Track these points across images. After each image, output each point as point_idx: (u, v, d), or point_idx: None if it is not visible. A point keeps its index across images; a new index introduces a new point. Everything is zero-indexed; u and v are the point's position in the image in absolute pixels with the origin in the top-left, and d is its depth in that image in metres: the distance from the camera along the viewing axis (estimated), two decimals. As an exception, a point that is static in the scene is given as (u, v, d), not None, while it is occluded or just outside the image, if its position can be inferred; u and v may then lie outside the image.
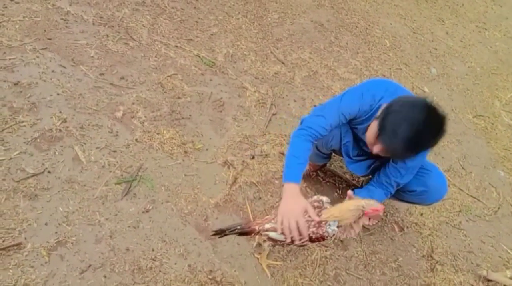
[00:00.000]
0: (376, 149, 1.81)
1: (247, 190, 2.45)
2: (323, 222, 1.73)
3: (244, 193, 2.43)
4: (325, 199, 1.83)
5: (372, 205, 1.66)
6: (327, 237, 1.75)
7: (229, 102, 2.94)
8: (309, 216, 1.73)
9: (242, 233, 1.90)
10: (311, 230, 1.74)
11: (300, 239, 1.75)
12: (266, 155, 2.68)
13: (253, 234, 1.88)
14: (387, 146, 1.73)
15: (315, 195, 1.89)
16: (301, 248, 2.23)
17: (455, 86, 4.25)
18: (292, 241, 1.78)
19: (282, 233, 1.76)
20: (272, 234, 1.81)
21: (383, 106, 1.79)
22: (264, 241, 2.05)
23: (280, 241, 1.82)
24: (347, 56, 3.94)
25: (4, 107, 2.29)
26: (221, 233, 1.86)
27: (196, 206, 2.27)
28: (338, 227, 1.75)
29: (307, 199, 1.84)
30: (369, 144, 1.87)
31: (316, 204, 1.80)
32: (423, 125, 1.63)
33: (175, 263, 2.01)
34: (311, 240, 1.77)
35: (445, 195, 2.24)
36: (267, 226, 1.83)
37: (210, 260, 2.07)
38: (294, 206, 1.73)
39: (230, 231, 1.86)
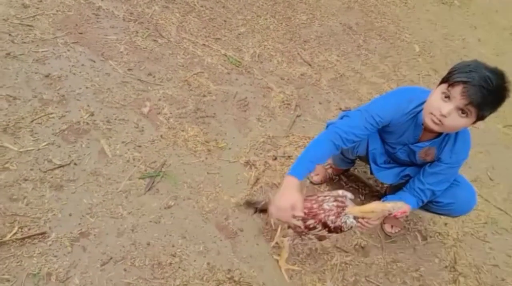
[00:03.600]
0: (446, 108, 1.66)
1: (268, 191, 2.44)
2: (342, 213, 1.74)
3: (265, 194, 2.42)
4: (349, 195, 1.84)
5: (400, 207, 1.65)
6: (344, 228, 1.77)
7: (253, 102, 2.94)
8: (337, 206, 1.78)
9: (264, 210, 1.97)
10: (330, 218, 1.76)
11: (314, 227, 1.79)
12: (288, 156, 2.67)
13: None
14: (464, 79, 1.61)
15: (340, 190, 1.88)
16: (321, 242, 2.20)
17: (485, 95, 4.13)
18: (309, 229, 1.82)
19: (301, 220, 1.81)
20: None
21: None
22: (282, 241, 2.05)
23: (298, 227, 1.85)
24: (375, 60, 3.88)
25: (35, 98, 2.35)
26: (248, 204, 2.03)
27: (217, 204, 2.27)
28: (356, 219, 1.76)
29: (331, 192, 1.86)
30: (434, 109, 1.71)
31: (340, 199, 1.81)
32: (493, 72, 1.60)
33: (194, 260, 2.01)
34: (329, 229, 1.79)
35: (474, 207, 2.18)
36: None
37: (229, 259, 2.07)
38: (285, 199, 1.78)
39: (255, 204, 2.01)
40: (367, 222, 1.80)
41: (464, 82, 1.60)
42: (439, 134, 1.90)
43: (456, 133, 1.88)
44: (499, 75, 1.60)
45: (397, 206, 1.67)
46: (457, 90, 1.62)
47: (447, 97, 1.67)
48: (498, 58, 4.84)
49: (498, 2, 6.20)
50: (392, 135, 2.05)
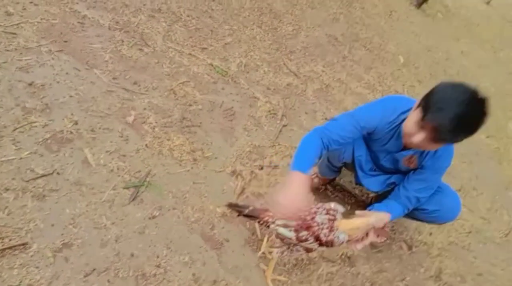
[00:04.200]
0: (417, 138, 1.72)
1: (254, 201, 2.43)
2: (335, 228, 1.74)
3: (251, 203, 2.40)
4: (341, 209, 1.83)
5: (382, 219, 1.66)
6: (336, 243, 1.76)
7: (240, 112, 2.94)
8: (328, 219, 1.77)
9: (249, 215, 1.90)
10: (324, 232, 1.75)
11: (306, 239, 1.77)
12: (275, 166, 2.67)
13: (259, 222, 1.88)
14: (435, 124, 1.63)
15: (332, 202, 1.87)
16: (308, 253, 2.18)
17: (468, 106, 4.21)
18: (300, 241, 1.79)
19: (294, 230, 1.78)
20: (281, 230, 1.81)
21: (421, 97, 1.75)
22: (271, 252, 2.03)
23: (288, 238, 1.82)
24: (360, 71, 3.93)
25: (17, 107, 2.31)
26: (232, 206, 1.94)
27: (202, 214, 2.25)
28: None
29: (324, 204, 1.85)
30: (409, 135, 1.77)
31: (332, 212, 1.80)
32: (468, 104, 1.59)
33: (180, 271, 1.98)
34: (321, 243, 1.77)
35: (458, 215, 2.20)
36: (279, 221, 1.82)
37: (214, 269, 2.05)
38: (294, 194, 1.75)
39: (241, 208, 1.91)
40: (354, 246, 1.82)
41: (434, 126, 1.64)
42: None
43: None
44: (475, 104, 1.60)
45: (379, 217, 1.69)
46: (428, 129, 1.67)
47: (421, 127, 1.70)
48: (480, 70, 4.95)
49: (480, 16, 6.36)
50: (377, 143, 2.07)
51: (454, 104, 1.59)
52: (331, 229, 1.74)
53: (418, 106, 1.73)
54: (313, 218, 1.79)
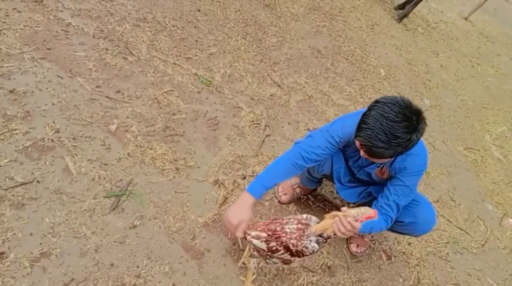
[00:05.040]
0: (362, 154, 1.82)
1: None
2: (305, 237, 1.75)
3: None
4: (314, 219, 1.85)
5: (364, 213, 1.63)
6: (306, 252, 1.77)
7: (223, 122, 2.96)
8: (297, 228, 1.79)
9: None
10: (291, 242, 1.77)
11: (277, 250, 1.80)
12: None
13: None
14: (363, 140, 1.70)
15: (305, 214, 1.90)
16: (286, 265, 2.20)
17: (447, 118, 4.32)
18: (272, 252, 1.82)
19: (264, 242, 1.83)
20: (255, 242, 1.86)
21: None
22: (249, 262, 2.05)
23: (262, 250, 1.86)
24: (342, 83, 4.00)
25: (-3, 114, 2.29)
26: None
27: (184, 224, 2.25)
28: (321, 236, 1.75)
29: (297, 215, 1.89)
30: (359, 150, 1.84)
31: (303, 221, 1.83)
32: (395, 117, 1.63)
33: (159, 282, 1.98)
34: (291, 253, 1.79)
35: (434, 227, 2.24)
36: (253, 233, 1.88)
37: (195, 280, 2.05)
38: (237, 214, 1.89)
39: None
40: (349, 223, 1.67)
41: (361, 143, 1.73)
42: None
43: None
44: (404, 120, 1.63)
45: (360, 211, 1.63)
46: (360, 146, 1.77)
47: (359, 145, 1.79)
48: (458, 83, 5.08)
49: (459, 31, 6.54)
50: (351, 157, 2.13)
51: (380, 119, 1.64)
52: (299, 238, 1.76)
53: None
54: (282, 228, 1.82)
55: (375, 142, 1.65)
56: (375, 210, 1.65)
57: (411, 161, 1.94)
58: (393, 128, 1.62)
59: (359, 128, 1.72)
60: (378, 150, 1.67)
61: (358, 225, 1.64)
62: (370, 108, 1.72)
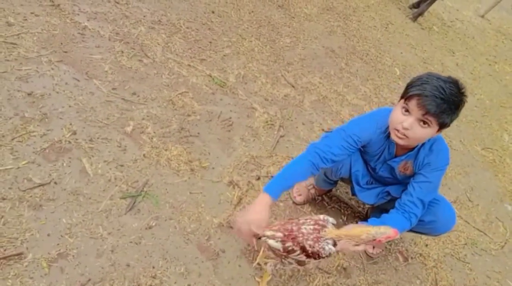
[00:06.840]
0: (407, 122, 1.74)
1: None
2: (322, 238, 1.73)
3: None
4: (331, 220, 1.83)
5: (383, 233, 1.62)
6: (322, 254, 1.75)
7: (237, 122, 2.96)
8: (314, 229, 1.76)
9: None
10: (308, 242, 1.75)
11: (292, 250, 1.77)
12: (272, 176, 2.67)
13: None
14: (418, 92, 1.69)
15: (322, 214, 1.88)
16: (301, 267, 2.18)
17: (463, 118, 4.25)
18: (288, 252, 1.80)
19: (280, 242, 1.80)
20: (270, 241, 1.83)
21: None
22: (265, 263, 2.04)
23: (278, 250, 1.83)
24: (357, 82, 3.97)
25: (16, 116, 2.32)
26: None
27: (199, 224, 2.26)
28: (335, 245, 1.74)
29: (313, 216, 1.86)
30: (396, 124, 1.79)
31: (320, 222, 1.80)
32: (447, 81, 1.69)
33: (175, 282, 1.98)
34: (307, 254, 1.76)
35: (453, 227, 2.21)
36: (268, 232, 1.84)
37: (210, 281, 2.05)
38: (254, 215, 1.83)
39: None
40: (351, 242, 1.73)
41: (417, 95, 1.70)
42: (413, 147, 1.94)
43: (430, 142, 1.94)
44: (452, 83, 1.69)
45: (380, 230, 1.62)
46: (413, 103, 1.71)
47: (407, 111, 1.75)
48: (475, 82, 5.00)
49: (475, 29, 6.44)
50: (372, 155, 2.09)
51: (435, 79, 1.69)
52: (317, 240, 1.74)
53: (399, 101, 1.82)
54: (299, 228, 1.80)
55: (428, 92, 1.67)
56: (395, 229, 1.63)
57: (435, 156, 1.92)
58: (445, 87, 1.66)
59: (410, 87, 1.75)
60: (429, 102, 1.66)
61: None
62: (415, 77, 1.77)
